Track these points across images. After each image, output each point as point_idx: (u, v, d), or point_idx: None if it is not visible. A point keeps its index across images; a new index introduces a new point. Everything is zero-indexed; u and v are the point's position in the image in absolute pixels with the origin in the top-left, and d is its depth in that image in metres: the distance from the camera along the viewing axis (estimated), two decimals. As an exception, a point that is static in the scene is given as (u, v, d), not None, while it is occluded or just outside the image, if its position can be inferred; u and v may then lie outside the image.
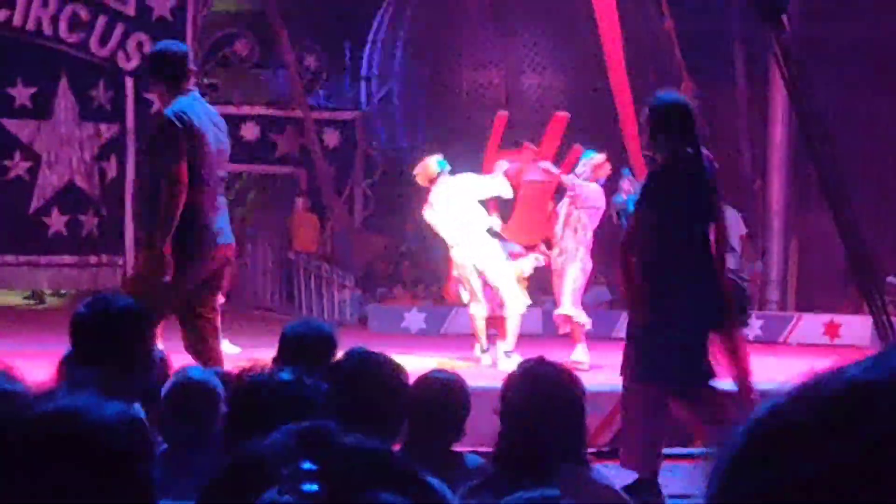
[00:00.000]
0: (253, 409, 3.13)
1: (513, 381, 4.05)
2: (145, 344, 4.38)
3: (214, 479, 1.09)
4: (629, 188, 13.69)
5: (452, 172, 13.17)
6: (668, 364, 7.98)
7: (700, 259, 8.19)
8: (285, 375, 3.21)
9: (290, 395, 3.10)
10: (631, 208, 10.53)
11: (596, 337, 16.61)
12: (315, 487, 1.04)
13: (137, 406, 5.75)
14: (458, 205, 12.62)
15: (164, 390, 5.21)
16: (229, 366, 5.61)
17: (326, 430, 1.11)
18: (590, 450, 8.88)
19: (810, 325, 16.48)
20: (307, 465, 1.05)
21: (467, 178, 12.91)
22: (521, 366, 4.21)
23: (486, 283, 12.83)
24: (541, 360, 4.14)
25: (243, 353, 12.11)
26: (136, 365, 4.33)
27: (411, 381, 4.75)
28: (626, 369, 8.31)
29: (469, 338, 13.84)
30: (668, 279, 8.07)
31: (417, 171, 13.03)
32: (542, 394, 3.93)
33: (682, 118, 8.18)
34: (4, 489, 1.75)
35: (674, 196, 8.09)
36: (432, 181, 12.79)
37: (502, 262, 12.87)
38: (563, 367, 4.13)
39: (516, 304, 12.79)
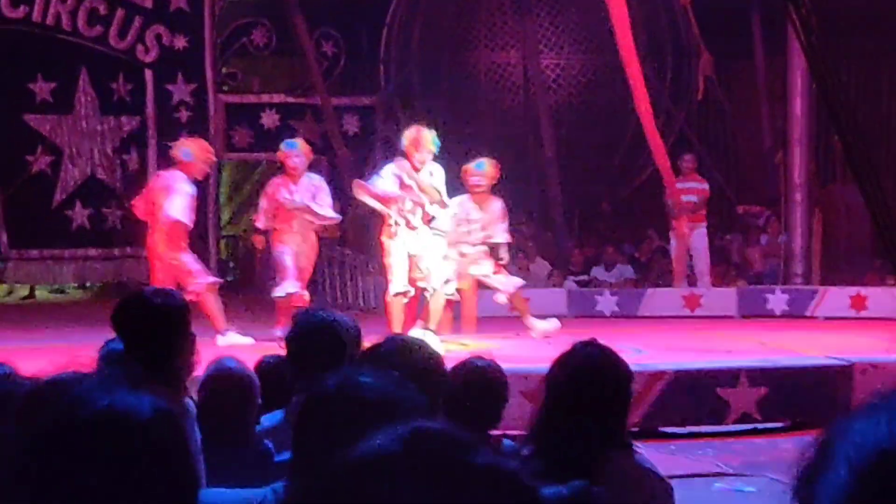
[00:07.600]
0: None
1: (561, 361, 4.02)
2: (187, 335, 4.41)
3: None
4: None
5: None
6: None
7: None
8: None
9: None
10: None
11: (621, 315, 16.63)
12: None
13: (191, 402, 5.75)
14: None
15: (200, 381, 5.11)
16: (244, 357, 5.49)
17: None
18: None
19: (836, 298, 16.37)
20: None
21: None
22: (571, 346, 4.15)
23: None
24: (590, 342, 4.10)
25: (257, 343, 12.12)
26: (179, 357, 4.35)
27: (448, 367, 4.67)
28: None
29: (492, 320, 13.82)
30: None
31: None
32: (589, 374, 3.90)
33: None
34: (49, 482, 1.78)
35: None
36: None
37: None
38: (611, 350, 4.08)
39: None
